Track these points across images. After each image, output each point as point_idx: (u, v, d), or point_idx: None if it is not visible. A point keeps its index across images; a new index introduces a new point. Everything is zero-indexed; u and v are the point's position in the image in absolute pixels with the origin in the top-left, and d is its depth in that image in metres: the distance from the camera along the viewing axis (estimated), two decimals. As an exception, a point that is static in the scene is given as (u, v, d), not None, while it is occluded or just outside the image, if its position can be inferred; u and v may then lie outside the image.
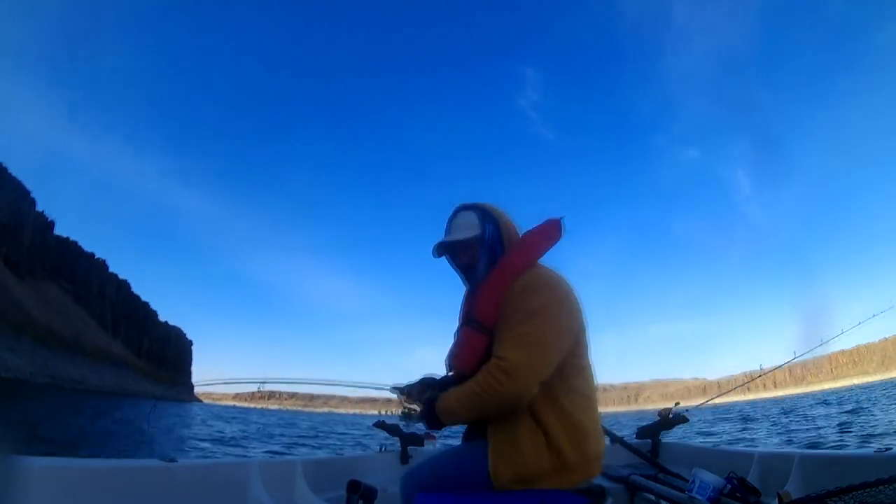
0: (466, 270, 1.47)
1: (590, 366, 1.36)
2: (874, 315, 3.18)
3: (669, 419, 2.70)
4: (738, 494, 1.43)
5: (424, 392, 1.44)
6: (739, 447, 4.21)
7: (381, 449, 2.69)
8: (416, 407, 1.43)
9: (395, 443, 2.67)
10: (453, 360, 1.37)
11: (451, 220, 1.50)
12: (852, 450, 5.16)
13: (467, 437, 1.45)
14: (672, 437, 2.86)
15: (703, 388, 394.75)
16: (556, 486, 1.21)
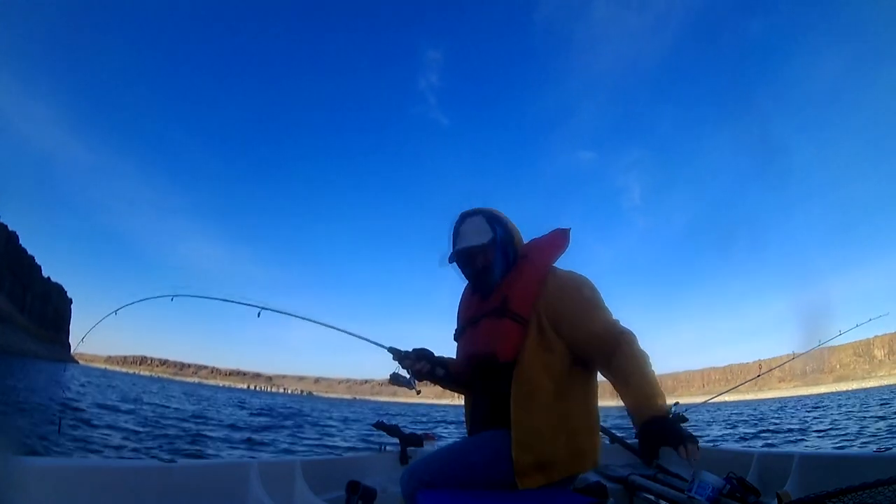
0: (480, 274, 1.49)
1: None
2: (870, 319, 3.31)
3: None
4: (737, 494, 1.43)
5: (417, 362, 1.55)
6: (739, 447, 4.22)
7: (380, 449, 2.68)
8: (405, 373, 1.57)
9: (395, 443, 2.67)
10: (490, 350, 1.40)
11: (458, 228, 1.53)
12: (852, 450, 5.17)
13: (472, 431, 1.50)
14: None
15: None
16: (570, 473, 1.33)
